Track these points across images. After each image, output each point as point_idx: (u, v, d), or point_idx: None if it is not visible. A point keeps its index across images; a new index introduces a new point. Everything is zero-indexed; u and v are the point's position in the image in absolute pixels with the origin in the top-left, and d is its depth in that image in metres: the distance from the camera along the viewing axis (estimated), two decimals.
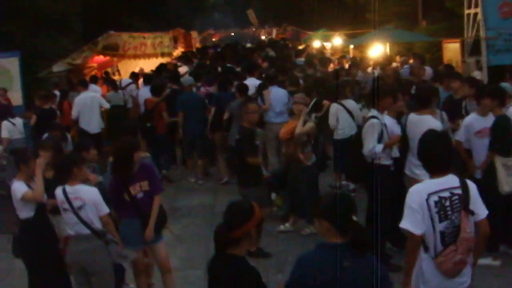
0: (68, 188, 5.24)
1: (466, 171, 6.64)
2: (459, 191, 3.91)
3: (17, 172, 5.76)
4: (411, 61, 13.61)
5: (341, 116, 8.85)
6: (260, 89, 10.17)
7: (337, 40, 22.19)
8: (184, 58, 18.55)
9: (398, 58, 16.62)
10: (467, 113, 7.58)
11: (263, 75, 11.91)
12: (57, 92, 12.35)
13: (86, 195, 5.23)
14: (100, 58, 16.55)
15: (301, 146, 7.52)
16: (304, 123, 7.53)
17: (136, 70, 16.57)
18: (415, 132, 5.92)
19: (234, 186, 9.82)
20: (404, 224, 3.92)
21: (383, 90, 6.61)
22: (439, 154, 4.02)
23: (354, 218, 3.17)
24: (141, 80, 13.73)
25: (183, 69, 15.41)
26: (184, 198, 9.87)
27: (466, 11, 14.76)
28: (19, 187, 5.58)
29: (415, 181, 5.43)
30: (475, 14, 14.13)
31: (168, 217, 6.07)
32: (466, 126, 6.77)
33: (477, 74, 11.44)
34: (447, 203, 3.87)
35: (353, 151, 6.77)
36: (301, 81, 11.07)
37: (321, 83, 10.48)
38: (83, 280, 5.34)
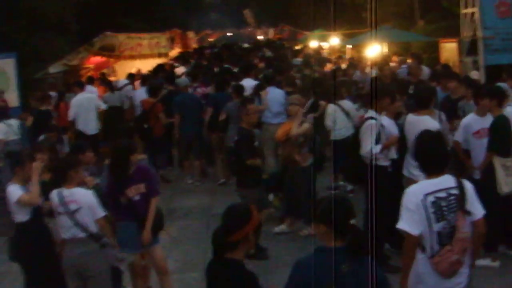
0: (64, 191, 5.20)
1: (465, 171, 6.62)
2: (455, 191, 3.91)
3: (13, 175, 5.72)
4: (409, 60, 13.59)
5: (338, 117, 8.82)
6: (257, 89, 10.13)
7: (334, 40, 22.16)
8: (181, 59, 18.50)
9: (395, 58, 16.60)
10: (464, 114, 7.56)
11: (260, 76, 11.87)
12: (53, 93, 12.30)
13: (82, 199, 5.19)
14: (97, 59, 16.53)
15: (298, 147, 7.48)
16: (300, 124, 7.48)
17: (134, 70, 16.52)
18: (413, 133, 5.88)
19: (232, 187, 9.79)
20: (401, 225, 3.92)
21: (381, 90, 6.56)
22: (435, 154, 4.03)
23: (352, 221, 3.14)
24: (138, 81, 13.69)
25: (180, 69, 15.36)
26: (181, 200, 9.84)
27: (463, 11, 14.74)
28: (14, 191, 5.54)
29: (413, 182, 5.39)
30: (472, 14, 14.12)
31: (165, 218, 6.05)
32: (464, 126, 6.75)
33: (475, 74, 11.42)
34: (444, 204, 3.88)
35: (351, 152, 6.74)
36: (298, 82, 11.03)
37: (318, 83, 10.45)
38: (80, 284, 5.29)
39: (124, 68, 17.41)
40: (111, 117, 12.12)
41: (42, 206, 5.68)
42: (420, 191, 3.93)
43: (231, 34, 50.64)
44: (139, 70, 16.68)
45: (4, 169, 8.70)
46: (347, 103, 8.98)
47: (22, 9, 18.11)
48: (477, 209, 3.95)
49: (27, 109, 12.21)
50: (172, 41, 21.96)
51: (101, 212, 5.26)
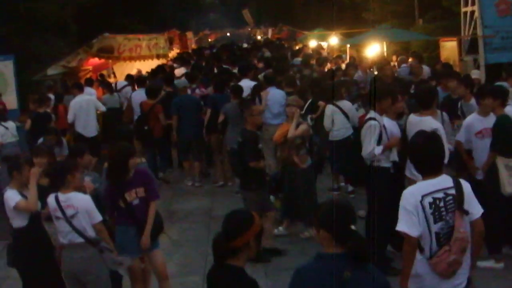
0: (61, 196, 5.14)
1: (467, 171, 6.56)
2: (453, 191, 3.89)
3: (10, 179, 5.65)
4: (410, 60, 13.53)
5: (336, 118, 8.75)
6: (255, 90, 10.05)
7: (334, 40, 22.10)
8: (180, 59, 18.41)
9: (394, 57, 16.55)
10: (463, 114, 7.50)
11: (258, 76, 11.80)
12: (51, 96, 12.23)
13: (79, 203, 5.12)
14: (95, 60, 16.45)
15: (295, 149, 7.38)
16: (297, 125, 7.39)
17: (133, 72, 16.45)
18: None
19: (232, 189, 9.77)
20: (401, 226, 3.90)
21: (382, 91, 6.48)
22: (431, 155, 4.00)
23: (353, 227, 3.07)
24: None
25: (180, 70, 15.27)
26: (181, 202, 9.77)
27: (463, 9, 14.72)
28: (12, 196, 5.48)
29: (415, 182, 5.33)
30: (472, 12, 14.09)
31: (165, 221, 6.00)
32: (466, 126, 6.69)
33: (475, 73, 11.37)
34: (441, 204, 3.86)
35: (352, 153, 6.67)
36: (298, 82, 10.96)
37: (317, 83, 10.37)
38: None
39: (123, 70, 17.33)
40: (111, 119, 12.06)
41: (40, 211, 5.62)
42: (418, 192, 3.91)
43: (230, 34, 50.66)
44: (139, 71, 16.62)
45: (1, 172, 8.63)
46: (346, 104, 8.89)
47: (21, 11, 18.07)
48: (475, 209, 3.92)
49: (26, 112, 12.16)
50: (171, 42, 21.90)
51: (98, 217, 5.19)
